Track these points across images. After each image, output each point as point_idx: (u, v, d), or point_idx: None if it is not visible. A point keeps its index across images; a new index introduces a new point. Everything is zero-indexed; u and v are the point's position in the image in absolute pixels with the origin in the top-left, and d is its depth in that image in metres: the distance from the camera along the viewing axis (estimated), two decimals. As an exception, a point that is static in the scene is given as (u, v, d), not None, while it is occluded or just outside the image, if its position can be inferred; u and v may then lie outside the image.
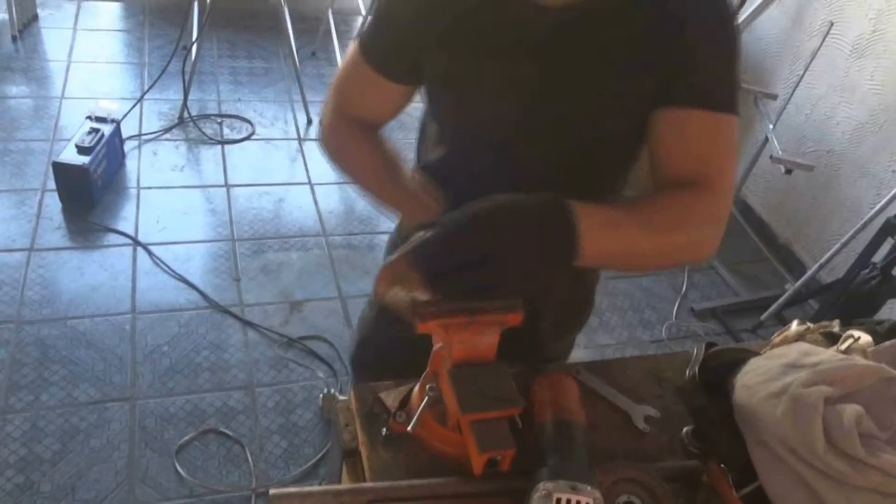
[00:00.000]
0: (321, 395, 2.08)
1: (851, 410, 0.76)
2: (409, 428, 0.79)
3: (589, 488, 0.69)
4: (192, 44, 3.06)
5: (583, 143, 0.91)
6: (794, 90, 2.62)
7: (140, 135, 2.98)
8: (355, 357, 1.36)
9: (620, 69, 0.83)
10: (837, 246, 2.40)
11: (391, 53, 0.96)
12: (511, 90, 0.89)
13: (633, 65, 0.82)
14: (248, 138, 3.11)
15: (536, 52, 0.86)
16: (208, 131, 3.09)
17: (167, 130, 3.05)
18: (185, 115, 3.09)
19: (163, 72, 3.11)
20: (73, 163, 2.49)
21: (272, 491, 0.72)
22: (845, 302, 2.24)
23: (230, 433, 1.96)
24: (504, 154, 0.93)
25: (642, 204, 0.79)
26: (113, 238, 2.52)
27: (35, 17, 3.57)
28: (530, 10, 0.83)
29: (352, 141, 1.01)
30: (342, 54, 3.51)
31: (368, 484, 0.77)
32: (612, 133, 0.90)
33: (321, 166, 2.96)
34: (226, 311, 2.32)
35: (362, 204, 2.84)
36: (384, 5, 0.95)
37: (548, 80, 0.87)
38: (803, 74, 2.57)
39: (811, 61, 2.52)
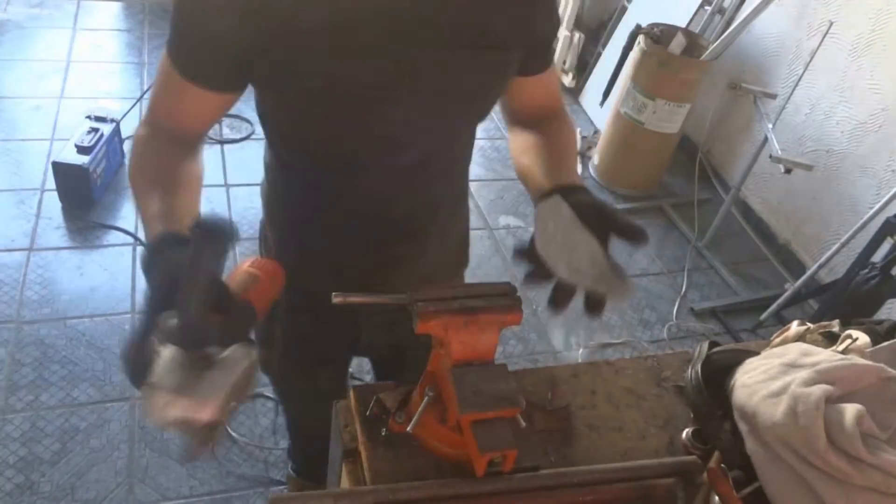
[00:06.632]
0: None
1: (853, 409, 0.76)
2: (408, 428, 0.79)
3: None
4: (192, 43, 3.05)
5: (461, 122, 1.00)
6: (793, 90, 2.62)
7: (139, 134, 2.98)
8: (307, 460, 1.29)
9: (499, 49, 0.90)
10: (837, 246, 2.40)
11: (204, 58, 0.84)
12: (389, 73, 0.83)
13: (509, 42, 0.90)
14: (247, 138, 3.10)
15: (415, 31, 0.81)
16: (208, 131, 3.08)
17: (167, 130, 3.04)
18: (185, 114, 3.09)
19: (162, 71, 3.11)
20: (72, 162, 2.49)
21: (271, 495, 0.71)
22: (845, 302, 2.24)
23: (232, 432, 1.96)
24: (383, 149, 0.91)
25: (556, 143, 0.99)
26: (112, 238, 2.52)
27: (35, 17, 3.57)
28: None
29: (149, 163, 0.90)
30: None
31: (368, 487, 0.77)
32: (487, 107, 0.99)
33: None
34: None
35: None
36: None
37: (432, 60, 0.84)
38: (803, 74, 2.57)
39: (810, 61, 2.52)
